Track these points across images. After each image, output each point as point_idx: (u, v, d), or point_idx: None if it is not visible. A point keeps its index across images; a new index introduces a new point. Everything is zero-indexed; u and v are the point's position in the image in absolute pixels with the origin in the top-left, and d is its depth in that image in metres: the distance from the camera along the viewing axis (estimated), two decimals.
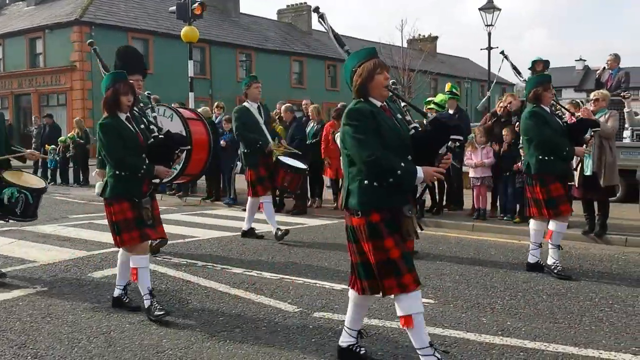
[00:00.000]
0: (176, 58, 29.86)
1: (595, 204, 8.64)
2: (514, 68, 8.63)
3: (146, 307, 5.28)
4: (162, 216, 11.39)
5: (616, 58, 12.18)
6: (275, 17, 49.61)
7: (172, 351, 4.56)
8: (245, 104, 8.68)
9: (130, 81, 7.21)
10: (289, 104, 12.57)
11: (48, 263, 7.43)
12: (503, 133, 9.97)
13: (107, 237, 6.58)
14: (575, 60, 59.13)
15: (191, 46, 15.77)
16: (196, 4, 15.01)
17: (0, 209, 6.45)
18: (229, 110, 15.04)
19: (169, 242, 8.74)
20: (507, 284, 6.43)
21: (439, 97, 11.47)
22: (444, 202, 11.23)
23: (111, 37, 33.15)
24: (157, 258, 7.67)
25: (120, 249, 5.54)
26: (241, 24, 43.20)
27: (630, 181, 10.83)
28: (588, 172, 8.20)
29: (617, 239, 8.57)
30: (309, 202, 12.34)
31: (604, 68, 12.46)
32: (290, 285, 6.40)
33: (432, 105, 11.25)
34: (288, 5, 49.63)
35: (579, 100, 10.88)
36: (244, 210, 12.21)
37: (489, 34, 24.62)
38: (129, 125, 5.32)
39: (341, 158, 4.31)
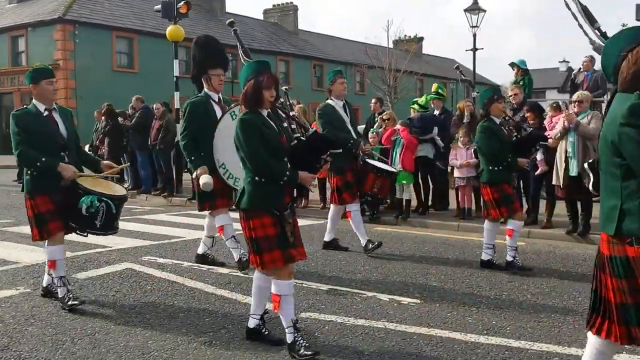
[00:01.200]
0: (161, 57, 29.68)
1: (579, 204, 8.72)
2: (468, 81, 8.90)
3: (289, 342, 4.45)
4: (147, 217, 11.44)
5: (591, 60, 12.30)
6: (261, 17, 49.55)
7: (157, 352, 4.54)
8: (329, 101, 7.81)
9: (213, 75, 6.83)
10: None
11: (31, 264, 7.37)
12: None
13: (92, 238, 6.48)
14: (559, 62, 59.58)
15: (176, 45, 15.68)
16: (182, 3, 14.92)
17: (78, 221, 5.49)
18: None
19: (154, 242, 8.73)
20: (492, 283, 6.47)
21: (422, 99, 11.51)
22: (429, 202, 11.27)
23: (95, 35, 33.00)
24: (143, 259, 7.64)
25: (256, 271, 4.66)
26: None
27: None
28: (573, 173, 8.28)
29: (597, 238, 8.61)
30: (296, 202, 12.29)
31: (580, 70, 12.57)
32: None
33: (415, 106, 11.30)
34: (274, 5, 49.59)
35: (560, 102, 10.97)
36: (230, 210, 12.20)
37: (474, 35, 24.73)
38: (272, 123, 4.54)
39: None
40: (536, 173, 9.39)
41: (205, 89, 6.88)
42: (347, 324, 5.09)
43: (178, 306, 5.69)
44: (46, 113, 5.51)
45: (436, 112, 11.22)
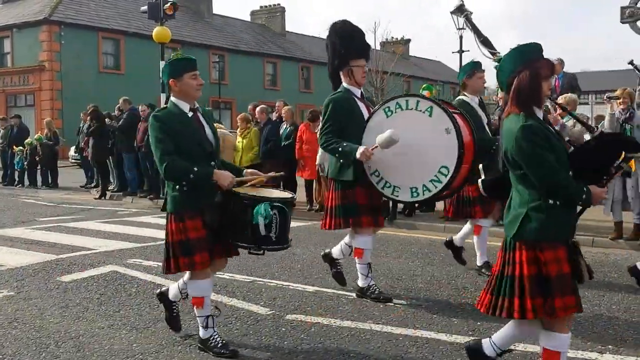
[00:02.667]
0: (148, 58, 29.58)
1: None
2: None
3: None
4: (132, 219, 11.39)
5: (561, 63, 12.39)
6: (248, 18, 49.49)
7: (142, 356, 4.52)
8: (463, 97, 6.68)
9: (356, 67, 5.72)
10: (264, 105, 12.54)
11: (15, 267, 7.31)
12: None
13: (77, 240, 6.45)
14: None
15: (163, 46, 15.65)
16: (168, 4, 14.90)
17: (250, 239, 4.39)
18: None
19: (139, 245, 8.69)
20: (477, 284, 6.48)
21: None
22: (416, 204, 11.30)
23: (81, 37, 32.85)
24: (128, 261, 7.60)
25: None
26: (214, 24, 43.03)
27: None
28: None
29: (584, 240, 8.69)
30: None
31: None
32: (262, 287, 6.38)
33: None
34: (261, 7, 49.59)
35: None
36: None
37: (461, 37, 24.88)
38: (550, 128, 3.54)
39: None
40: None
41: (345, 84, 5.76)
42: (333, 326, 5.09)
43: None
44: (191, 113, 4.44)
45: None
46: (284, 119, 12.23)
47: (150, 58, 26.68)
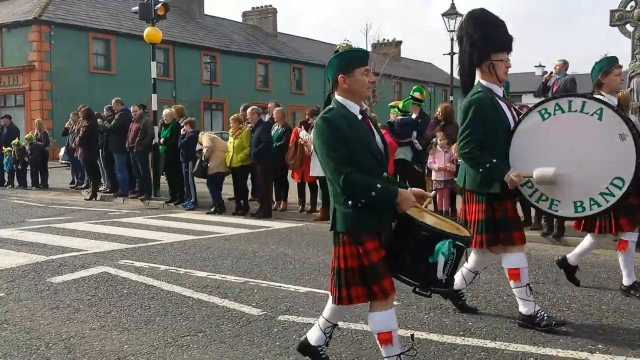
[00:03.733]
0: (139, 59, 29.56)
1: None
2: None
3: None
4: (123, 219, 11.37)
5: (564, 64, 12.42)
6: (240, 19, 49.46)
7: (134, 357, 4.51)
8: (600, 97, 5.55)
9: (498, 61, 4.89)
10: (255, 106, 12.54)
11: (5, 268, 7.28)
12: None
13: (67, 241, 6.43)
14: (535, 66, 60.17)
15: (154, 47, 15.62)
16: (159, 4, 14.88)
17: (422, 277, 3.75)
18: (189, 114, 14.97)
19: (130, 246, 8.67)
20: (468, 285, 6.50)
21: (402, 103, 11.59)
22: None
23: (71, 37, 32.75)
24: (119, 262, 7.58)
25: None
26: (205, 25, 43.00)
27: None
28: None
29: (574, 241, 8.72)
30: (274, 205, 12.32)
31: (551, 73, 12.70)
32: (254, 288, 6.38)
33: (395, 110, 11.39)
34: (253, 8, 49.61)
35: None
36: (208, 213, 12.22)
37: (452, 39, 24.89)
38: None
39: None
40: None
41: (484, 81, 4.94)
42: None
43: (155, 310, 5.65)
44: (360, 116, 3.73)
45: (414, 116, 11.29)
46: (275, 120, 12.23)
47: (141, 59, 26.69)
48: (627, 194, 4.57)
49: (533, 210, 9.53)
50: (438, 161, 10.37)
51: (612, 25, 11.53)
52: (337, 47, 4.07)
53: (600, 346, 4.63)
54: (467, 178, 5.06)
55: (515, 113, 4.98)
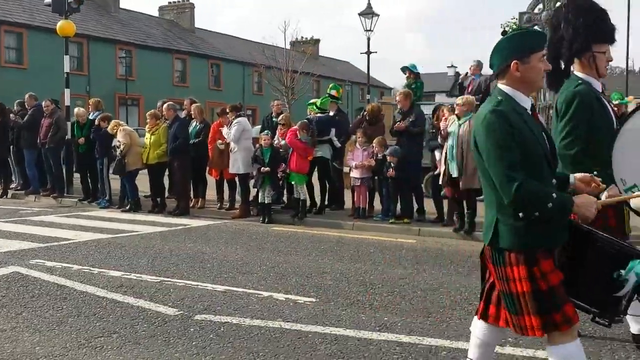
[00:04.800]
0: (52, 53, 28.38)
1: (464, 202, 9.16)
2: None
3: None
4: (35, 218, 10.95)
5: (478, 65, 12.89)
6: (156, 14, 48.41)
7: (46, 359, 4.36)
8: None
9: (599, 53, 4.30)
10: (171, 102, 12.34)
11: None
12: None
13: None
14: (447, 67, 61.80)
15: (67, 41, 15.07)
16: None
17: (606, 302, 3.11)
18: (106, 109, 14.56)
19: (42, 245, 8.37)
20: (384, 280, 6.66)
21: (320, 100, 11.70)
22: (326, 202, 11.44)
23: None
24: (31, 262, 7.30)
25: None
26: (121, 19, 41.82)
27: None
28: (455, 175, 8.78)
29: (478, 235, 9.08)
30: (192, 202, 12.16)
31: (467, 74, 13.15)
32: (171, 287, 6.29)
33: (313, 107, 11.50)
34: (170, 2, 48.61)
35: (455, 105, 11.44)
36: (123, 211, 11.93)
37: (368, 38, 25.27)
38: None
39: None
40: (434, 173, 9.80)
41: (582, 74, 4.35)
42: (243, 325, 5.09)
43: (67, 311, 5.48)
44: (530, 112, 3.11)
45: (331, 113, 11.42)
46: (193, 117, 12.07)
47: (54, 53, 25.65)
48: None
49: (445, 207, 9.85)
50: (357, 158, 10.54)
51: (520, 25, 11.98)
52: (504, 27, 3.24)
53: (510, 339, 4.83)
54: None
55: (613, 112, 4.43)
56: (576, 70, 4.41)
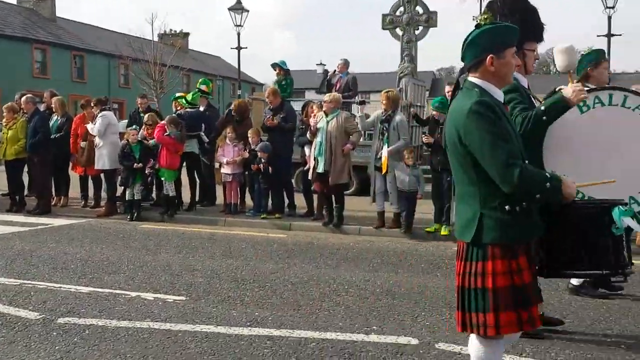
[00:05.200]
0: None
1: (333, 197, 9.40)
2: None
3: None
4: None
5: (345, 63, 13.26)
6: (14, 1, 45.40)
7: None
8: None
9: (529, 51, 4.38)
10: (30, 95, 11.65)
11: None
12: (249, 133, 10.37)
13: None
14: (317, 64, 62.71)
15: None
16: None
17: (616, 260, 3.22)
18: None
19: None
20: (256, 276, 6.71)
21: (190, 95, 11.53)
22: (197, 198, 11.30)
23: None
24: None
25: None
26: None
27: (363, 176, 11.91)
28: (320, 170, 9.00)
29: (352, 229, 9.40)
30: (54, 200, 11.58)
31: (334, 72, 13.48)
32: (31, 290, 5.99)
33: (183, 102, 11.31)
34: None
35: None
36: None
37: (239, 34, 25.18)
38: None
39: None
40: (305, 168, 9.96)
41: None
42: (109, 327, 4.95)
43: None
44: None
45: (202, 108, 11.30)
46: (54, 110, 11.48)
47: None
48: None
49: (315, 202, 10.05)
50: (227, 155, 10.49)
51: (383, 28, 12.44)
52: (478, 19, 3.27)
53: (374, 327, 5.04)
54: None
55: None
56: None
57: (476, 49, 3.05)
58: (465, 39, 3.09)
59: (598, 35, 20.57)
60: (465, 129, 2.93)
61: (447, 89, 10.23)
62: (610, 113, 4.30)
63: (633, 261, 3.33)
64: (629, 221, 3.07)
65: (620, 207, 3.12)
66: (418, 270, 7.11)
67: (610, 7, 18.72)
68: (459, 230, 3.14)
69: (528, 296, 2.99)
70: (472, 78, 3.07)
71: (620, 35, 21.39)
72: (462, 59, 3.13)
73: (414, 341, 4.68)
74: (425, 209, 9.48)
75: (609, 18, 19.41)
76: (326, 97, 9.42)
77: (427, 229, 9.05)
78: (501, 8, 4.47)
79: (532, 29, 4.41)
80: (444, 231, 8.88)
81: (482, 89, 3.02)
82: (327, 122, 9.10)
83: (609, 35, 19.58)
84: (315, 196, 10.11)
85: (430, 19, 12.44)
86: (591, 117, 4.28)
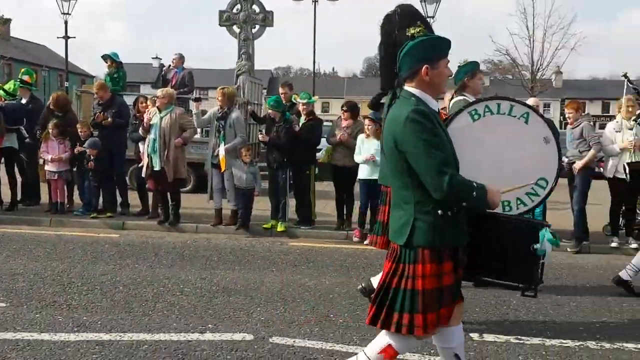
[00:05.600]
0: None
1: (169, 194, 9.20)
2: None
3: None
4: None
5: (180, 58, 13.05)
6: None
7: None
8: (465, 97, 5.79)
9: None
10: None
11: None
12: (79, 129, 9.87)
13: None
14: (152, 58, 61.05)
15: None
16: None
17: (530, 275, 3.44)
18: None
19: None
20: (84, 278, 6.39)
21: (10, 85, 10.71)
22: (19, 197, 10.51)
23: None
24: None
25: None
26: None
27: (200, 173, 11.78)
28: (156, 168, 8.80)
29: (189, 227, 9.27)
30: None
31: (169, 66, 13.23)
32: None
33: (1, 93, 10.48)
34: None
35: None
36: None
37: (66, 22, 23.85)
38: None
39: None
40: (139, 165, 9.64)
41: None
42: None
43: None
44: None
45: (24, 101, 10.53)
46: None
47: None
48: (550, 194, 4.81)
49: (151, 199, 9.76)
50: (52, 151, 9.87)
51: (221, 25, 12.34)
52: (412, 31, 3.48)
53: (210, 325, 5.01)
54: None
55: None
56: None
57: (412, 59, 3.19)
58: (401, 50, 3.24)
59: None
60: (402, 136, 3.07)
61: (282, 90, 10.37)
62: (498, 121, 4.70)
63: None
64: (548, 246, 3.32)
65: (548, 230, 3.36)
66: (255, 266, 7.17)
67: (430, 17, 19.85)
68: (393, 234, 3.26)
69: (449, 296, 3.17)
70: (409, 88, 3.22)
71: None
72: (399, 70, 3.28)
73: (249, 337, 4.72)
74: (262, 206, 9.57)
75: None
76: (159, 92, 9.17)
77: (264, 226, 9.14)
78: (399, 21, 4.87)
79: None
80: (280, 227, 9.01)
81: (418, 98, 3.17)
82: (161, 118, 8.87)
83: None
84: (150, 194, 9.82)
85: (266, 18, 12.53)
86: (481, 125, 4.60)
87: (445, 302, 3.16)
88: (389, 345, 3.25)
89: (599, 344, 4.83)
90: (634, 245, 8.22)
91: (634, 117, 8.13)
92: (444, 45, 3.27)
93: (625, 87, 9.86)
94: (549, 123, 4.93)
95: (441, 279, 3.13)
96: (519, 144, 4.76)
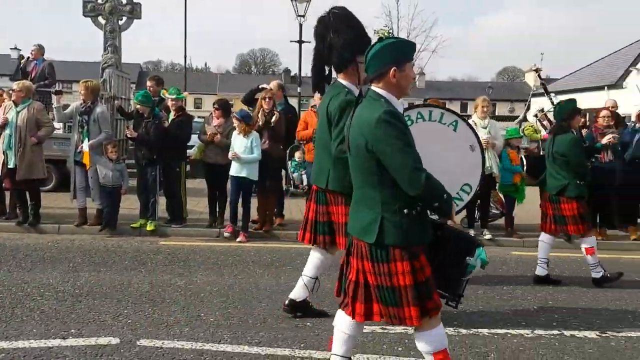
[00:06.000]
0: None
1: (28, 194, 8.70)
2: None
3: None
4: None
5: (40, 48, 12.42)
6: None
7: None
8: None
9: (361, 63, 4.15)
10: None
11: None
12: None
13: None
14: (11, 49, 57.43)
15: None
16: None
17: (460, 289, 3.63)
18: None
19: None
20: None
21: None
22: None
23: None
24: None
25: None
26: None
27: (62, 170, 11.23)
28: (11, 165, 8.42)
29: (50, 228, 8.79)
30: None
31: (28, 58, 12.56)
32: None
33: None
34: None
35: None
36: None
37: None
38: None
39: None
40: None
41: (345, 82, 4.86)
42: None
43: None
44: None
45: None
46: None
47: None
48: (474, 199, 5.31)
49: (8, 199, 9.20)
50: None
51: (85, 15, 11.76)
52: (379, 33, 3.35)
53: (73, 330, 4.78)
54: (331, 179, 4.84)
55: None
56: (340, 78, 4.93)
57: (379, 62, 3.26)
58: (368, 51, 3.31)
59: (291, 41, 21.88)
60: (374, 136, 3.13)
61: (149, 84, 10.12)
62: (429, 127, 5.00)
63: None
64: (478, 264, 3.49)
65: (484, 250, 3.53)
66: (122, 267, 6.92)
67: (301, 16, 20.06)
68: (359, 232, 3.31)
69: (430, 287, 3.25)
70: (376, 88, 3.30)
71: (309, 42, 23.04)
72: (366, 70, 3.38)
73: (115, 340, 4.56)
74: (130, 204, 9.27)
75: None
76: (15, 85, 8.63)
77: (133, 225, 8.84)
78: (335, 24, 4.94)
79: (363, 43, 4.68)
80: (149, 226, 8.76)
81: (386, 99, 3.26)
82: (17, 112, 8.35)
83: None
84: (7, 193, 9.23)
85: (134, 10, 12.05)
86: (414, 131, 4.79)
87: (428, 293, 3.24)
88: (435, 354, 3.32)
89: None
90: (488, 237, 8.84)
91: (534, 113, 8.80)
92: (410, 48, 3.38)
93: (534, 80, 10.55)
94: (475, 132, 5.25)
95: (418, 274, 3.21)
96: (448, 150, 5.05)
